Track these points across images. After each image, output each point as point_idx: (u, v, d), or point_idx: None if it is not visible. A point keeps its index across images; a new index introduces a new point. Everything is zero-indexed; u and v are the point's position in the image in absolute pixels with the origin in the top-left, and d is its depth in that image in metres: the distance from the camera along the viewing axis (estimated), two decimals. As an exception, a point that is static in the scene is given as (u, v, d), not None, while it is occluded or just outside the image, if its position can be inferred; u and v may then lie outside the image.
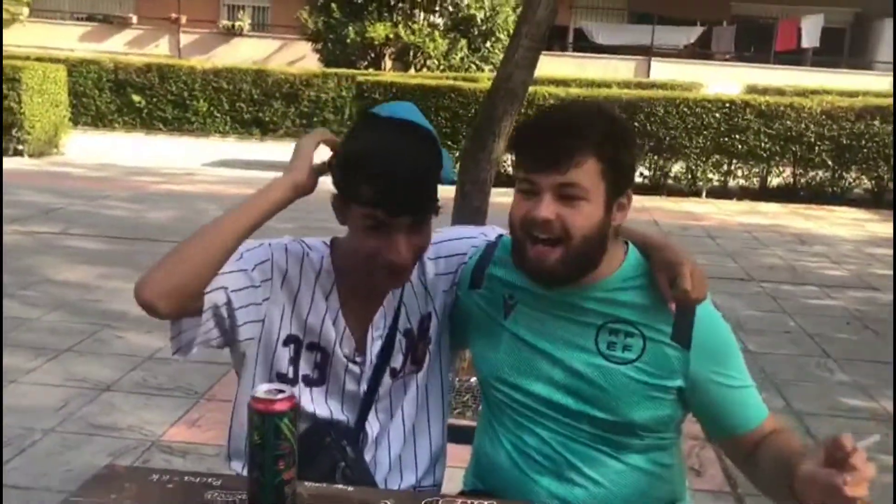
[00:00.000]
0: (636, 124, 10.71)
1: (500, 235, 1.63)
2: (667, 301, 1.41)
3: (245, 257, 1.47)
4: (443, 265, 1.62)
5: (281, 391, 1.22)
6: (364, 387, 1.56)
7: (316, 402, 1.55)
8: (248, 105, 16.54)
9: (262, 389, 1.23)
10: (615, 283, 1.45)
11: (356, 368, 1.55)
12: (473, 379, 3.87)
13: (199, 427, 3.43)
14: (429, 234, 1.46)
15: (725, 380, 1.44)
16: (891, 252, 7.98)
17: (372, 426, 1.58)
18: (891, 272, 7.08)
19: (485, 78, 14.09)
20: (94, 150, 13.09)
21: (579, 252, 1.38)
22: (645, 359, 1.43)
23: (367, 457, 1.57)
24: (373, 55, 18.63)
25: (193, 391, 3.81)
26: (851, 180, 11.09)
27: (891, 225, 9.55)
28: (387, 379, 1.57)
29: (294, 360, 1.53)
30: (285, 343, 1.52)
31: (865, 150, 10.73)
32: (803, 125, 10.77)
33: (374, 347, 1.55)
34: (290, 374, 1.53)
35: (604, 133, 1.37)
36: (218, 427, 3.41)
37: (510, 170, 11.04)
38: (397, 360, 1.57)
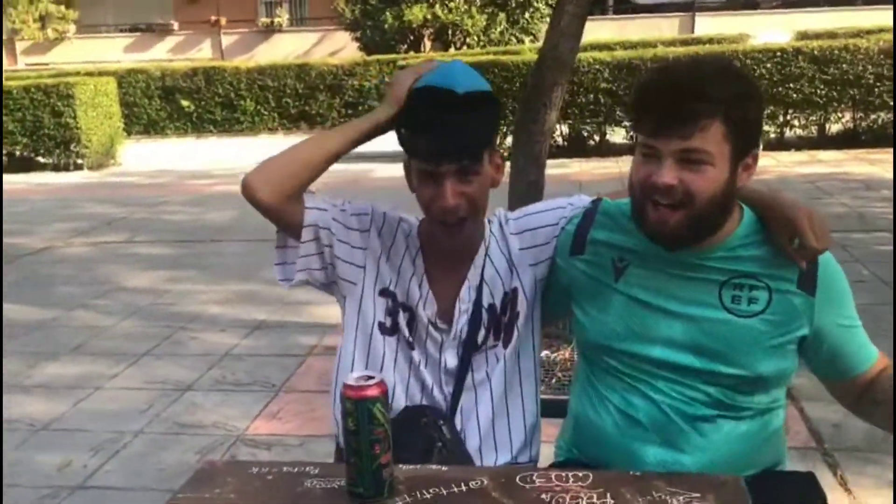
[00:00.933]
0: (685, 82, 10.49)
1: (599, 199, 1.61)
2: (793, 260, 1.39)
3: (347, 207, 1.62)
4: (528, 238, 1.63)
5: (371, 377, 1.25)
6: (447, 359, 1.59)
7: (411, 372, 1.60)
8: (294, 100, 16.71)
9: (353, 377, 1.25)
10: (735, 242, 1.43)
11: (437, 335, 1.60)
12: (545, 352, 3.88)
13: (280, 419, 3.51)
14: (481, 184, 1.51)
15: (846, 321, 1.45)
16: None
17: (463, 401, 1.60)
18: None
19: (526, 50, 13.98)
20: (149, 157, 13.39)
21: (703, 215, 1.35)
22: (772, 310, 1.41)
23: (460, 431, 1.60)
24: (412, 38, 18.63)
25: (271, 384, 3.89)
26: (916, 119, 10.70)
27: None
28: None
29: (392, 313, 1.61)
30: (381, 294, 1.61)
31: (929, 87, 10.33)
32: (860, 67, 10.41)
33: (461, 320, 1.59)
34: (389, 324, 1.61)
35: (731, 94, 1.31)
36: (298, 418, 3.49)
37: (560, 140, 10.96)
38: (480, 334, 1.60)
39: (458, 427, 1.59)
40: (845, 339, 1.45)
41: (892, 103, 10.51)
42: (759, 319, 1.41)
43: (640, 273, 1.48)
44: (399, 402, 1.59)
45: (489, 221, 1.65)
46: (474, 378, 1.61)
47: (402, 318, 1.60)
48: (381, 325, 1.61)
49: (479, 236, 1.61)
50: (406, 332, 1.60)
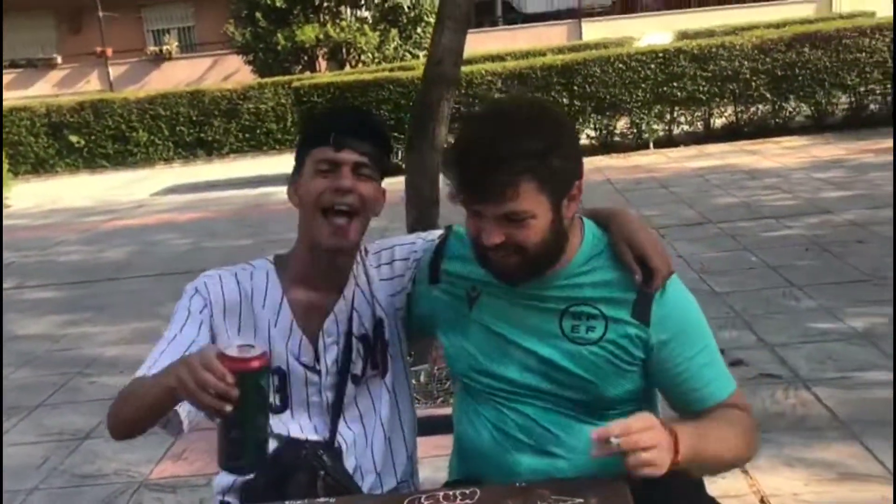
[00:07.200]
0: (574, 87, 10.81)
1: (449, 228, 1.62)
2: (633, 274, 1.42)
3: (188, 316, 1.53)
4: (386, 271, 1.64)
5: (251, 346, 1.21)
6: (328, 396, 1.56)
7: (286, 424, 1.55)
8: (189, 127, 16.34)
9: (235, 345, 1.21)
10: (574, 270, 1.46)
11: (315, 377, 1.56)
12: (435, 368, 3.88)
13: (186, 460, 3.41)
14: (375, 188, 1.51)
15: (687, 352, 1.44)
16: (838, 174, 8.14)
17: (345, 436, 1.58)
18: (841, 193, 7.22)
19: (420, 65, 14.06)
20: (39, 197, 12.86)
21: (538, 255, 1.39)
22: (608, 337, 1.45)
23: (349, 466, 1.58)
24: (306, 58, 18.50)
25: (175, 424, 3.76)
26: (791, 110, 11.26)
27: (834, 148, 9.74)
28: (350, 386, 1.57)
29: None
30: None
31: (801, 79, 10.89)
32: (737, 63, 10.89)
33: (328, 355, 1.56)
34: None
35: (535, 152, 1.32)
36: (204, 457, 3.39)
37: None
38: (357, 367, 1.58)
39: (350, 462, 1.57)
40: (688, 371, 1.45)
41: (768, 96, 11.04)
42: (598, 346, 1.45)
43: (490, 303, 1.52)
44: (276, 438, 1.54)
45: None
46: (361, 411, 1.59)
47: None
48: None
49: (349, 265, 1.59)
50: (276, 402, 1.53)
